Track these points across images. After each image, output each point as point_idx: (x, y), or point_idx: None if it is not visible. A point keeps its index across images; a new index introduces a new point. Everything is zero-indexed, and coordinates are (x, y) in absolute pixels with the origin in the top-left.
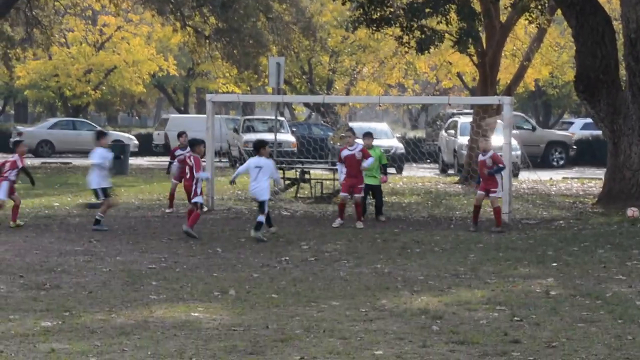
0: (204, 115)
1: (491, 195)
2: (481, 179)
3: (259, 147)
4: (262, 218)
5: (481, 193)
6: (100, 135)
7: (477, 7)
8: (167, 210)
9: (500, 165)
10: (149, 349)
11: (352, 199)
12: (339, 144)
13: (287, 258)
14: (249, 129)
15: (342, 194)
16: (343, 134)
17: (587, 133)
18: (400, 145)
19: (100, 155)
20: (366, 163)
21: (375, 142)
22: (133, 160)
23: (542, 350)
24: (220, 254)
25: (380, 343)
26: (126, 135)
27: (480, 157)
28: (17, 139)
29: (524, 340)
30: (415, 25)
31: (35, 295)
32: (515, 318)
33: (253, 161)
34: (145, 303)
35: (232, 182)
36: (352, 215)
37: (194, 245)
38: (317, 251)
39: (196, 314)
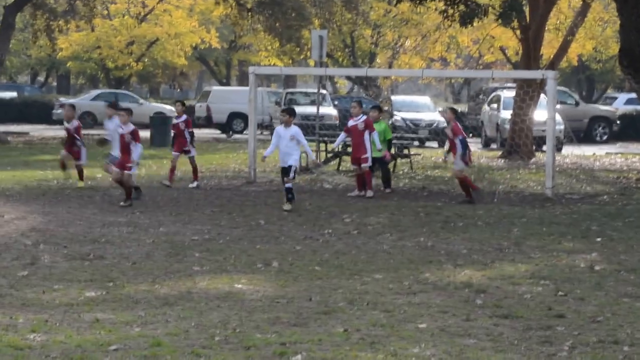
0: (246, 88)
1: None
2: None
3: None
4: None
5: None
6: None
7: None
8: (167, 183)
9: (460, 137)
10: (193, 320)
11: (360, 169)
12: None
13: (329, 231)
14: (291, 102)
15: (353, 166)
16: (385, 108)
17: (630, 108)
18: (443, 119)
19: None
20: (375, 139)
21: (418, 116)
22: None
23: (587, 325)
24: (263, 226)
25: (423, 316)
26: (168, 107)
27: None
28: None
29: (569, 315)
30: None
31: (79, 265)
32: (560, 293)
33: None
34: (189, 274)
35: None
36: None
37: (237, 217)
38: (360, 224)
39: (239, 286)
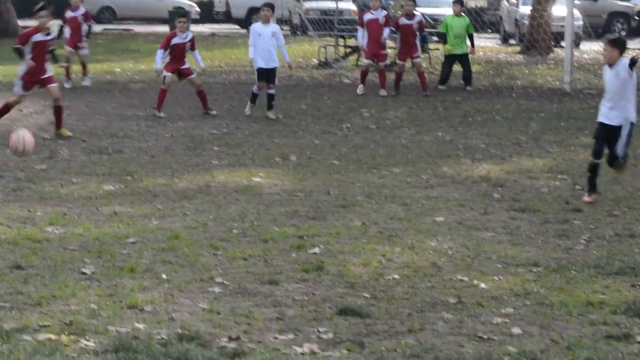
0: None
1: (415, 60)
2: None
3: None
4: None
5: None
6: None
7: None
8: (67, 86)
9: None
10: (211, 213)
11: (376, 65)
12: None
13: (348, 125)
14: None
15: (365, 61)
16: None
17: None
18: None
19: None
20: (385, 33)
21: (435, 11)
22: (194, 28)
23: (603, 218)
24: (281, 120)
25: (441, 209)
26: (187, 2)
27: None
28: None
29: (585, 209)
30: None
31: (98, 159)
32: (577, 187)
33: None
34: (207, 168)
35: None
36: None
37: (256, 111)
38: (378, 118)
39: (257, 179)
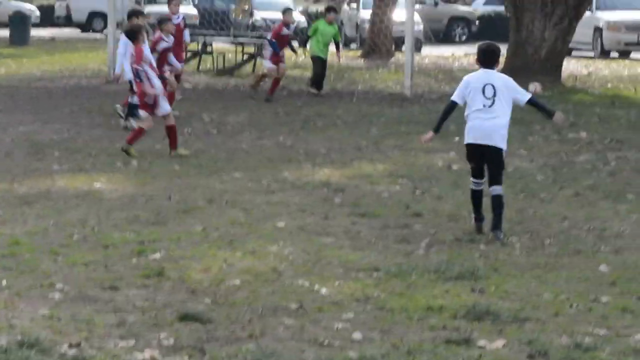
0: None
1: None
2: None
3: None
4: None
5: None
6: None
7: None
8: None
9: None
10: (52, 218)
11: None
12: (240, 17)
13: (189, 130)
14: (151, 2)
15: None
16: (245, 8)
17: (489, 9)
18: (303, 19)
19: None
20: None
21: (279, 15)
22: (35, 32)
23: (444, 223)
24: (121, 126)
25: (282, 215)
26: (27, 6)
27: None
28: None
29: (426, 213)
30: None
31: None
32: (417, 191)
33: None
34: (48, 173)
35: None
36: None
37: (97, 116)
38: (219, 123)
39: (98, 185)
